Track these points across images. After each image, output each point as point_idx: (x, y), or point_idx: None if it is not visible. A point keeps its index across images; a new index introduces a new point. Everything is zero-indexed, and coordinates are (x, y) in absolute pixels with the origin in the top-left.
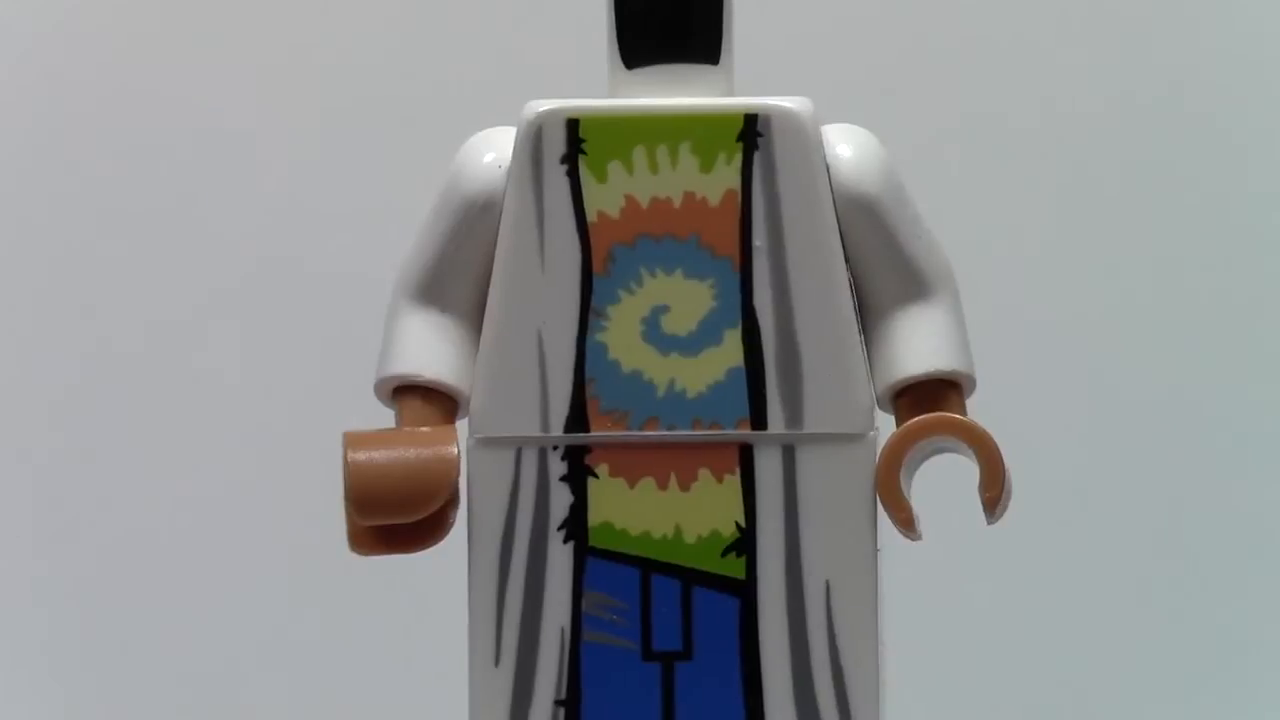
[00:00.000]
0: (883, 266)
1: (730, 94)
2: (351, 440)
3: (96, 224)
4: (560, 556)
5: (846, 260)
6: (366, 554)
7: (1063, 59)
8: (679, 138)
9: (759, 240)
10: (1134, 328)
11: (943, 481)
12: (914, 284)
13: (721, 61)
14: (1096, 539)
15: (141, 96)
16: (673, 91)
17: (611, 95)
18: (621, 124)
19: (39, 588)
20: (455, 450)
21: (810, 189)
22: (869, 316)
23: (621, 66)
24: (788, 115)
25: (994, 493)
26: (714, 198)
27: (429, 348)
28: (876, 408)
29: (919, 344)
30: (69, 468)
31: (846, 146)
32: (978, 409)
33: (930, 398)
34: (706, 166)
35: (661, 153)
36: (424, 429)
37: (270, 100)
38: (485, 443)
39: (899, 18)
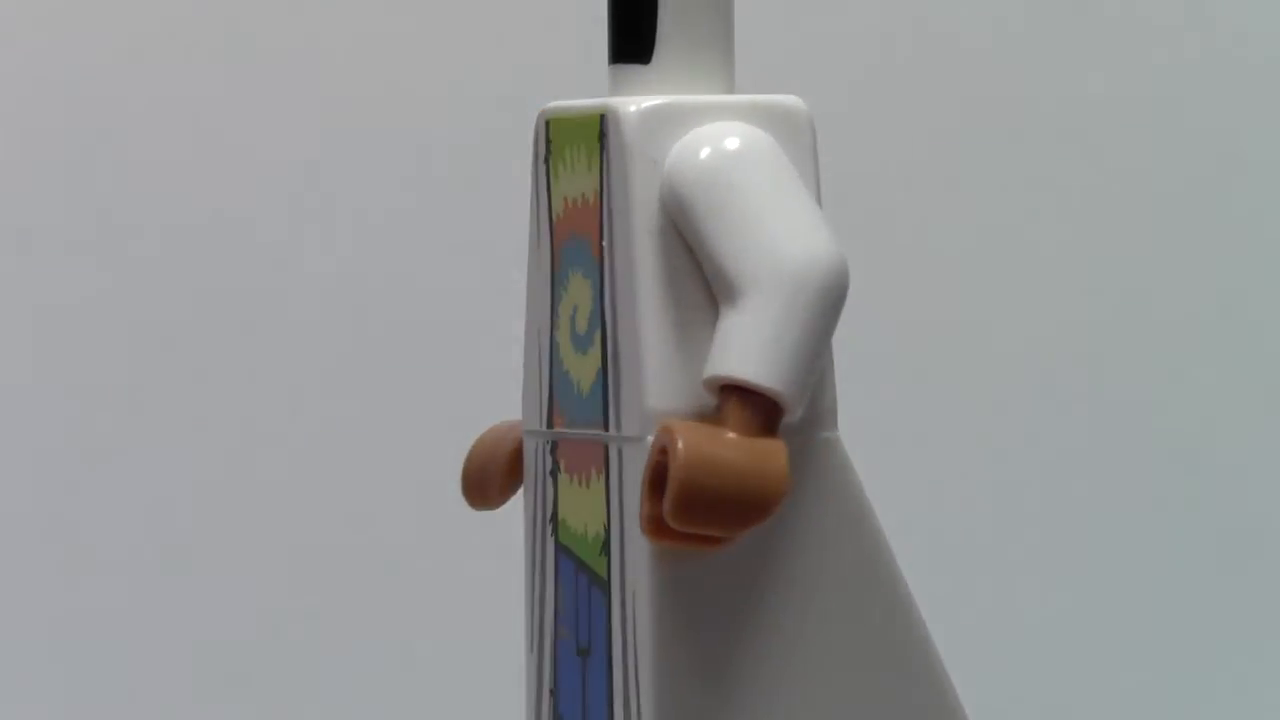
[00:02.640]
0: (705, 267)
1: (680, 94)
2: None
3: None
4: (550, 548)
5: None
6: None
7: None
8: (578, 139)
9: (605, 241)
10: (1130, 326)
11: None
12: (724, 286)
13: (655, 61)
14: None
15: (143, 95)
16: (616, 91)
17: None
18: (560, 125)
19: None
20: (508, 441)
21: (624, 189)
22: None
23: None
24: (614, 115)
25: (644, 509)
26: (591, 198)
27: None
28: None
29: (713, 350)
30: (74, 466)
31: (686, 145)
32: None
33: (722, 405)
34: (589, 166)
35: (573, 153)
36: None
37: (272, 99)
38: (525, 435)
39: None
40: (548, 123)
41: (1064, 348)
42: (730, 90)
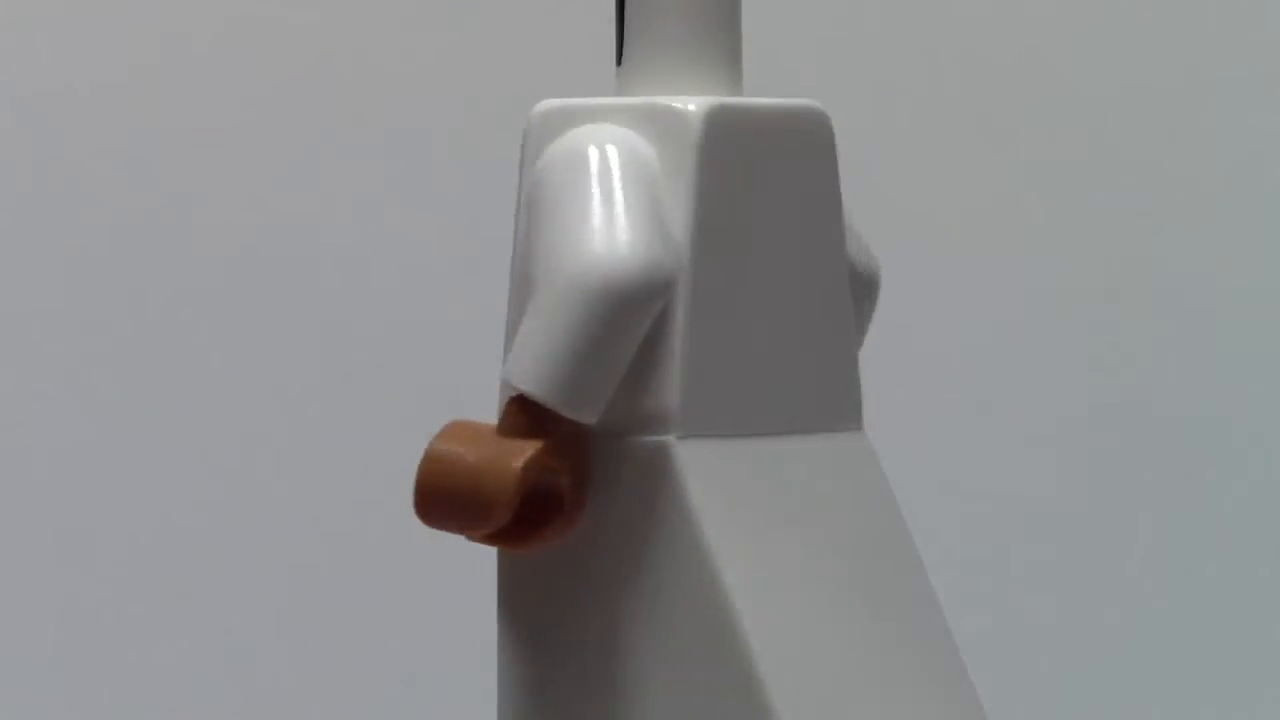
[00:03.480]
0: None
1: (642, 94)
2: None
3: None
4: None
5: None
6: None
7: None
8: None
9: None
10: (1127, 326)
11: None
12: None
13: (624, 64)
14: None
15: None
16: (616, 92)
17: None
18: None
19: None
20: None
21: (517, 189)
22: None
23: None
24: (528, 116)
25: None
26: None
27: None
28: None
29: None
30: (76, 466)
31: (549, 148)
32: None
33: None
34: None
35: None
36: None
37: (278, 99)
38: None
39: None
40: None
41: (1060, 351)
42: (728, 92)
